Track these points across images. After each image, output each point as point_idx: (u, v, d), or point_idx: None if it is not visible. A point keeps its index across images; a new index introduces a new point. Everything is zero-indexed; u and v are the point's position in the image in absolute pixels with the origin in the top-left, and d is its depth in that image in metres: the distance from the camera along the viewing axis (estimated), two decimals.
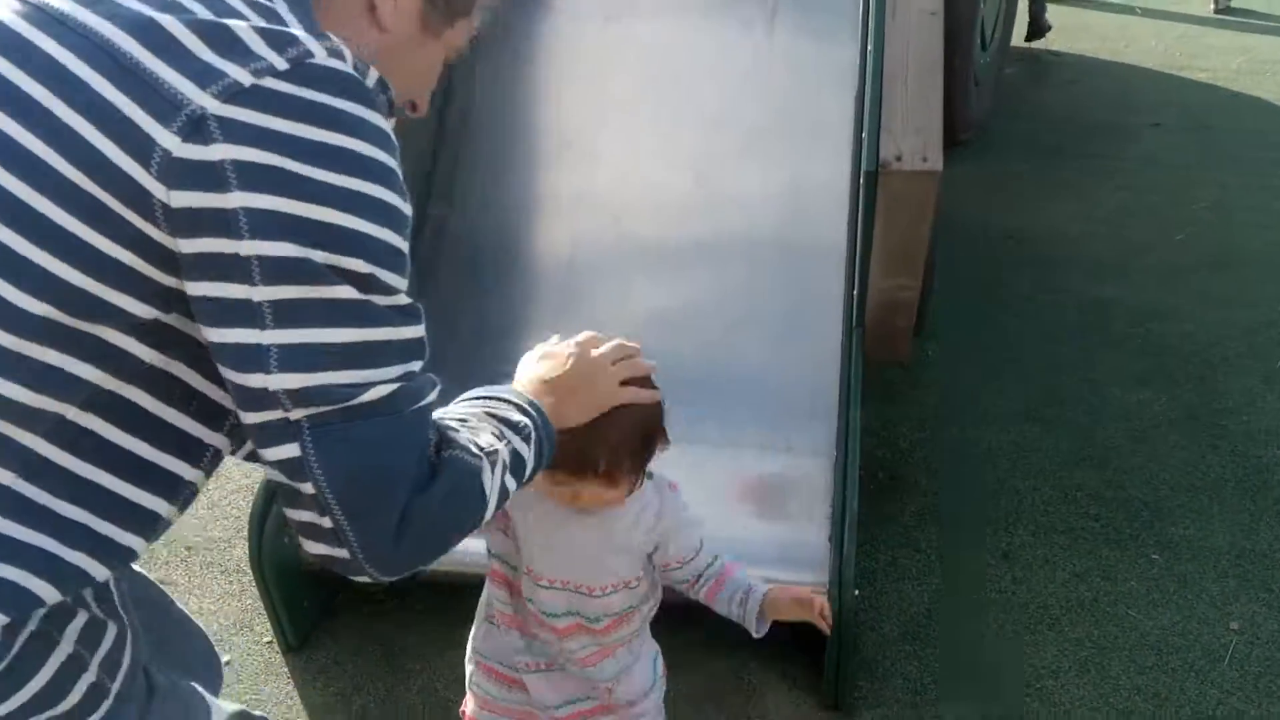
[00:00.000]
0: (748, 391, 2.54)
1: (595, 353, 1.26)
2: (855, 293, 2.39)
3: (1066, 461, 2.71)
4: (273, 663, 2.27)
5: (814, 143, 2.86)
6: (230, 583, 2.51)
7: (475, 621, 1.56)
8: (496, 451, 1.01)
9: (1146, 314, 3.35)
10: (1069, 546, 2.43)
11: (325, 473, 0.86)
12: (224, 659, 2.29)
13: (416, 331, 0.92)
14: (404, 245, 0.90)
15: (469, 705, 1.63)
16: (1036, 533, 2.47)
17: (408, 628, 2.33)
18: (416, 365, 0.92)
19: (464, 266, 2.86)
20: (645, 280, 2.77)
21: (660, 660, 1.58)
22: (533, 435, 1.08)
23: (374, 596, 2.39)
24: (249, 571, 2.40)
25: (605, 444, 1.24)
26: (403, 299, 0.90)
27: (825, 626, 1.44)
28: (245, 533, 2.54)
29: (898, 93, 2.10)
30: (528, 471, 1.07)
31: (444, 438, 0.96)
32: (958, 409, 2.93)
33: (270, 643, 2.32)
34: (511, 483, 1.03)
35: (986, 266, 3.69)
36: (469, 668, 1.59)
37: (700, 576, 1.47)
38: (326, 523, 0.89)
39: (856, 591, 1.94)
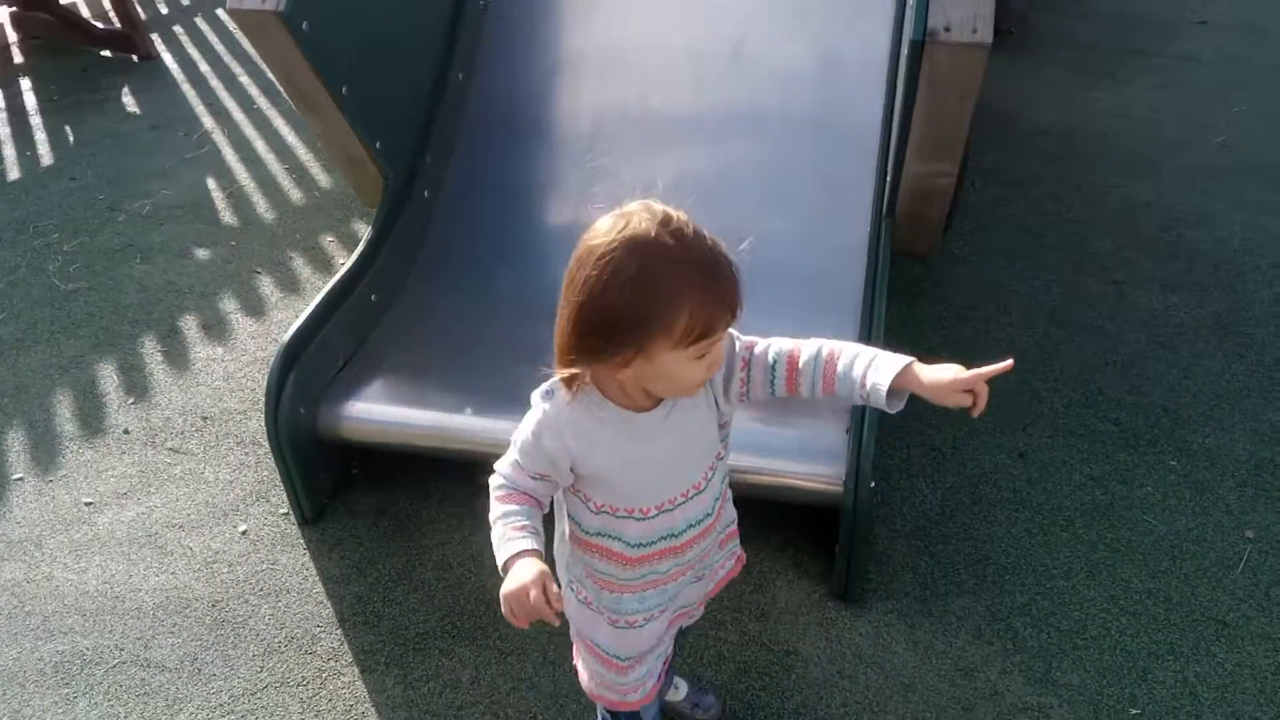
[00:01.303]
0: (774, 278, 2.48)
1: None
2: (890, 179, 2.31)
3: (1089, 365, 2.67)
4: (288, 534, 2.29)
5: (856, 17, 2.75)
6: (246, 454, 2.51)
7: (584, 624, 1.48)
8: None
9: (1178, 218, 3.27)
10: (1086, 450, 2.41)
11: None
12: (240, 529, 2.31)
13: None
14: None
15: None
16: (1054, 435, 2.45)
17: (423, 502, 2.34)
18: None
19: (486, 132, 2.78)
20: (672, 155, 2.70)
21: None
22: None
23: (390, 470, 2.40)
24: (264, 444, 2.41)
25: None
26: None
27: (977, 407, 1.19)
28: (260, 405, 2.54)
29: None
30: None
31: None
32: (981, 308, 2.88)
33: (286, 514, 2.33)
34: None
35: (1017, 162, 3.59)
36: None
37: (788, 354, 1.27)
38: None
39: (873, 483, 1.93)
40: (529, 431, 1.27)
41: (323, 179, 3.76)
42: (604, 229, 1.14)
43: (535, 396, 1.29)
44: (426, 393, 2.29)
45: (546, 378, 1.27)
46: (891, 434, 2.40)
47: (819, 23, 2.75)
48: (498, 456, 1.34)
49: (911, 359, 1.22)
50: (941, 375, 1.19)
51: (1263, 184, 3.43)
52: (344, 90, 2.27)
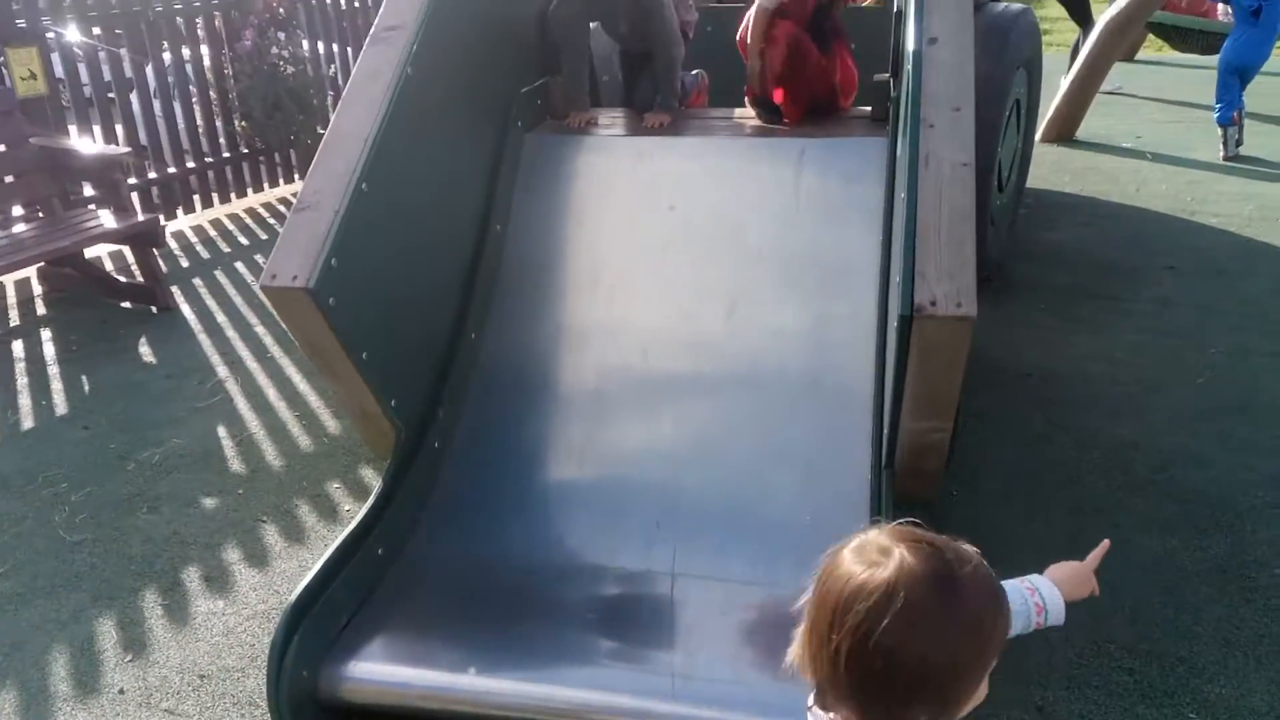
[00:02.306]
0: (776, 529, 2.53)
1: None
2: (886, 434, 2.40)
3: (1097, 612, 2.64)
4: None
5: (842, 281, 2.92)
6: (243, 715, 2.44)
7: None
8: None
9: (1169, 458, 3.34)
10: (1104, 703, 2.36)
11: None
12: None
13: None
14: None
15: None
16: (1070, 687, 2.41)
17: None
18: None
19: (495, 393, 2.89)
20: (674, 411, 2.79)
21: None
22: None
23: None
24: (263, 704, 2.36)
25: None
26: None
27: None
28: (260, 662, 2.50)
29: (930, 241, 2.15)
30: None
31: None
32: (985, 552, 2.89)
33: None
34: None
35: (1007, 404, 3.70)
36: None
37: None
38: None
39: None
40: None
41: (332, 425, 3.85)
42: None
43: None
44: (430, 651, 2.27)
45: None
46: None
47: (808, 284, 2.92)
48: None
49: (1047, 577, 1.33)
50: (1069, 575, 1.35)
51: (1248, 423, 3.53)
52: (364, 355, 2.39)
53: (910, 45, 2.50)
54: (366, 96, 2.59)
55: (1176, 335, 4.23)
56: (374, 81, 2.62)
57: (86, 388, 4.29)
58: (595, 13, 3.51)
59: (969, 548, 1.08)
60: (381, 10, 2.85)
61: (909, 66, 2.49)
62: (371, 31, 2.79)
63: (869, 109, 3.43)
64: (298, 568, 2.99)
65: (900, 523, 1.10)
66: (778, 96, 3.42)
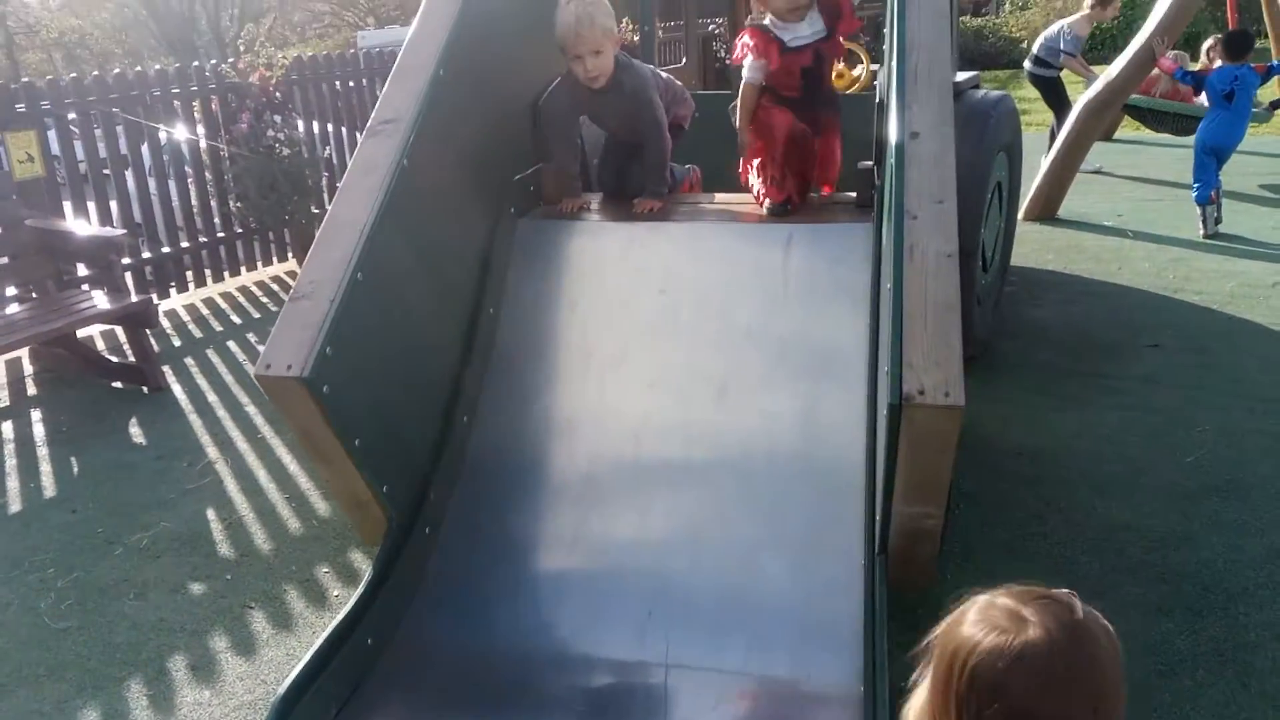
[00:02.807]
0: (770, 616, 2.52)
1: None
2: (879, 518, 2.40)
3: None
4: None
5: (831, 365, 2.95)
6: None
7: None
8: None
9: (1160, 539, 3.34)
10: None
11: None
12: None
13: None
14: None
15: None
16: None
17: None
18: None
19: (486, 478, 2.89)
20: (666, 497, 2.79)
21: None
22: None
23: None
24: None
25: None
26: None
27: None
28: None
29: (917, 330, 2.18)
30: None
31: None
32: None
33: None
34: None
35: (998, 484, 3.72)
36: None
37: None
38: None
39: None
40: None
41: (322, 506, 3.83)
42: None
43: None
44: None
45: None
46: None
47: (798, 368, 2.94)
48: None
49: None
50: None
51: (1236, 504, 3.54)
52: (357, 442, 2.39)
53: (893, 139, 2.57)
54: (363, 188, 2.64)
55: (1163, 413, 4.27)
56: (370, 174, 2.67)
57: (75, 469, 4.27)
58: (584, 108, 3.58)
59: (1075, 599, 1.11)
60: (379, 102, 2.92)
61: (891, 159, 2.56)
62: (368, 124, 2.85)
63: (854, 194, 3.50)
64: (285, 656, 2.96)
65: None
66: (763, 175, 3.47)
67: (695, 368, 3.01)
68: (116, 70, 6.34)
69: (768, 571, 2.60)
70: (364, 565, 3.35)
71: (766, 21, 3.33)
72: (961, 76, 4.74)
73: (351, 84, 7.96)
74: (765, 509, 2.72)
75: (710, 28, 6.86)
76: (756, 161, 3.50)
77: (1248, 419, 4.17)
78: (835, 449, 2.75)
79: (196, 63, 7.12)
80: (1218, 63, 7.48)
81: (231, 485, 4.05)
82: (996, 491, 3.67)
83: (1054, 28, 9.04)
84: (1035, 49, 9.07)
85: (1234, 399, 4.37)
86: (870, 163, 3.41)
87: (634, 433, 2.92)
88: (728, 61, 3.62)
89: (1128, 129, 10.91)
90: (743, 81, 3.38)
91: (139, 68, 6.46)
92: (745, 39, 3.36)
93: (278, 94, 6.89)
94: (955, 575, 3.16)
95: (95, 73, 6.35)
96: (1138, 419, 4.23)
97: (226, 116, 6.73)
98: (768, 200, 3.43)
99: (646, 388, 3.01)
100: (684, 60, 5.96)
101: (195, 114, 6.73)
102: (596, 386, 3.05)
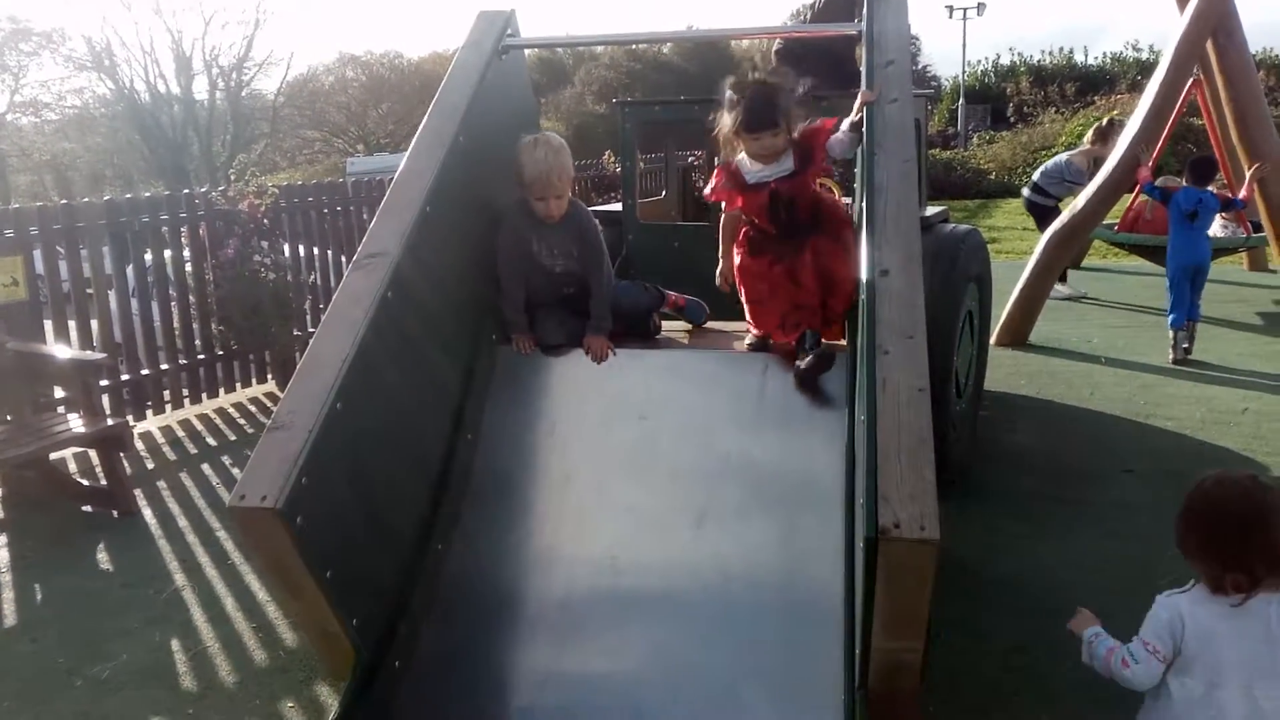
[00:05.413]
0: None
1: None
2: (859, 650, 2.38)
3: None
4: None
5: (808, 494, 2.96)
6: None
7: None
8: None
9: None
10: None
11: None
12: None
13: None
14: None
15: None
16: None
17: None
18: None
19: (459, 609, 2.84)
20: (643, 628, 2.75)
21: None
22: None
23: None
24: None
25: None
26: None
27: None
28: None
29: (892, 464, 2.20)
30: None
31: None
32: None
33: None
34: None
35: (979, 613, 3.68)
36: None
37: None
38: None
39: None
40: None
41: (289, 637, 3.74)
42: None
43: None
44: None
45: None
46: None
47: (776, 497, 2.95)
48: None
49: None
50: None
51: None
52: (328, 574, 2.36)
53: (864, 276, 2.64)
54: (347, 320, 2.68)
55: (1139, 540, 4.27)
56: (354, 306, 2.72)
57: (39, 597, 4.16)
58: (534, 238, 3.61)
59: None
60: (366, 237, 2.99)
61: (863, 296, 2.63)
62: (355, 257, 2.91)
63: (843, 342, 3.56)
64: None
65: None
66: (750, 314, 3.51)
67: (673, 495, 3.01)
68: (107, 196, 6.45)
69: (746, 705, 2.55)
70: (331, 700, 3.25)
71: (739, 158, 3.45)
72: (931, 210, 4.90)
73: (339, 207, 8.12)
74: (744, 641, 2.68)
75: (689, 159, 7.07)
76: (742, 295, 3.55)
77: None
78: (814, 580, 2.74)
79: (187, 190, 7.27)
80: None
81: (198, 613, 3.95)
82: (980, 620, 3.63)
83: (1055, 160, 9.79)
84: (1035, 178, 9.74)
85: None
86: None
87: (612, 562, 2.90)
88: (705, 195, 3.73)
89: (1095, 256, 11.22)
90: (722, 215, 3.54)
91: (129, 195, 6.58)
92: (714, 179, 3.52)
93: (265, 220, 7.01)
94: (939, 711, 3.10)
95: (86, 199, 6.46)
96: (1116, 547, 4.23)
97: (214, 242, 6.83)
98: (748, 334, 3.50)
99: (625, 515, 3.00)
100: (664, 193, 6.11)
101: (183, 239, 6.82)
102: (575, 514, 3.03)
